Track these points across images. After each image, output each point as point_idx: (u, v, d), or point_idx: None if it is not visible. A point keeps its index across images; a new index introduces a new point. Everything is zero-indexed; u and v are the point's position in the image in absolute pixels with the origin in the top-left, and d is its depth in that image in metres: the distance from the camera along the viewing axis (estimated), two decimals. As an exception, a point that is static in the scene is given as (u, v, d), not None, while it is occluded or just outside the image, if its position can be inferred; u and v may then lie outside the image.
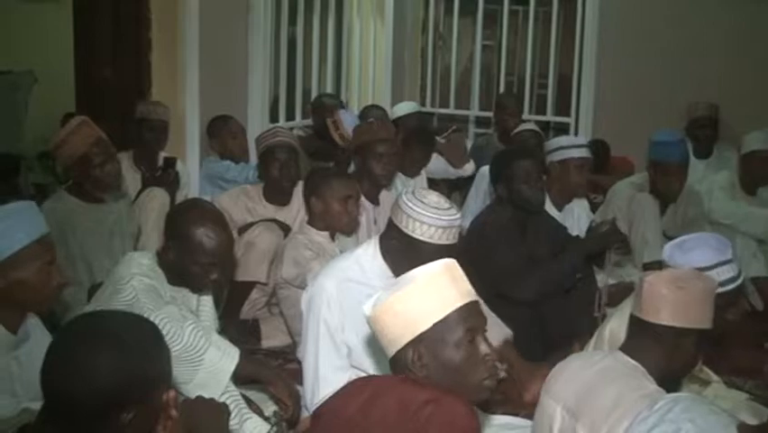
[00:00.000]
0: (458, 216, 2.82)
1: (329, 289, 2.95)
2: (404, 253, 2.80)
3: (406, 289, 2.00)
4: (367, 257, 2.99)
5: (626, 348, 2.45)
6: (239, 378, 2.93)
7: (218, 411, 2.16)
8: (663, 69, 6.76)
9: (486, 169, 5.54)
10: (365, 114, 6.43)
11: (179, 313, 2.83)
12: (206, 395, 2.69)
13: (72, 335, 1.77)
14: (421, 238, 2.77)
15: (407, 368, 2.01)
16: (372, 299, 2.05)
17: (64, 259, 3.74)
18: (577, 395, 2.38)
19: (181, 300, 2.95)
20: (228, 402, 2.77)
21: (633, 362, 2.38)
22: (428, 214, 2.76)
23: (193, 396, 2.75)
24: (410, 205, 2.79)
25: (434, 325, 1.99)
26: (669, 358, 2.37)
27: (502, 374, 2.17)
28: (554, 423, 2.40)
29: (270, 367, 3.30)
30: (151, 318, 2.66)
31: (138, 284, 2.79)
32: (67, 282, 2.52)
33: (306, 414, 2.99)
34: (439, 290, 2.02)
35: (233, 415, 2.74)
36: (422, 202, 2.79)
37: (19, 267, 2.38)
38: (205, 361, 2.80)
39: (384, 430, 1.89)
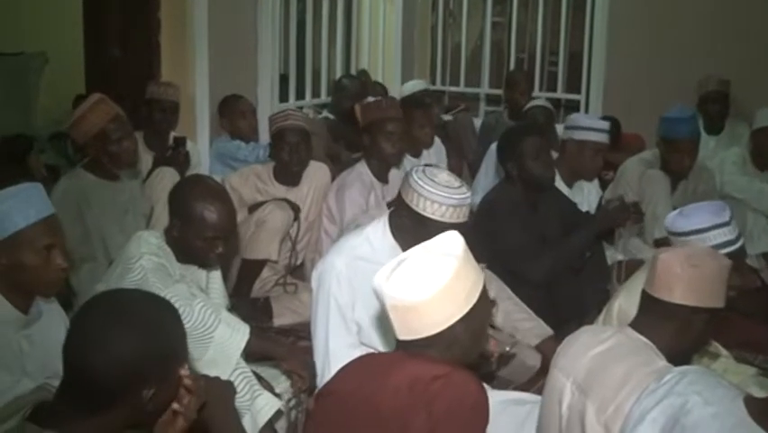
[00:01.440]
0: (468, 194, 2.81)
1: (339, 266, 2.96)
2: (413, 230, 2.79)
3: (456, 267, 1.98)
4: (377, 235, 3.00)
5: (637, 324, 2.44)
6: (251, 355, 2.95)
7: (224, 389, 2.16)
8: (675, 45, 6.71)
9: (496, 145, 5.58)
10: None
11: (188, 291, 2.85)
12: (217, 372, 2.71)
13: (95, 312, 1.77)
14: (431, 216, 2.76)
15: (441, 343, 1.98)
16: (397, 285, 1.98)
17: (81, 235, 3.79)
18: (587, 371, 2.37)
19: (190, 278, 2.97)
20: (239, 379, 2.82)
21: (643, 339, 2.38)
22: (438, 192, 2.76)
23: (204, 373, 2.81)
24: (420, 183, 2.79)
25: (479, 295, 2.00)
26: (680, 336, 2.36)
27: (507, 348, 2.17)
28: (564, 398, 2.40)
29: (282, 343, 3.33)
30: None
31: (147, 263, 2.81)
32: (69, 267, 2.48)
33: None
34: (473, 263, 2.04)
35: (244, 391, 2.79)
36: (432, 180, 2.79)
37: (17, 249, 2.36)
38: (215, 338, 2.83)
39: (395, 406, 1.89)
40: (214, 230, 2.85)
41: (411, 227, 2.81)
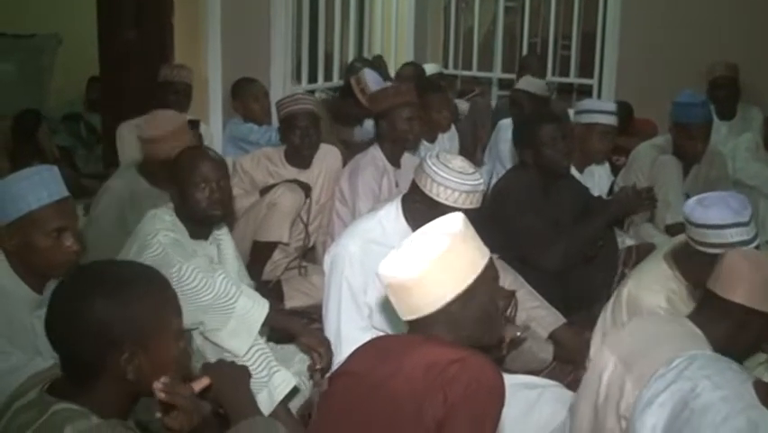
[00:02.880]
0: (481, 180, 2.83)
1: (352, 249, 2.98)
2: (427, 215, 2.76)
3: (450, 244, 1.98)
4: (389, 219, 3.02)
5: (694, 317, 2.45)
6: (271, 327, 3.04)
7: (240, 374, 2.17)
8: (688, 30, 6.67)
9: (504, 121, 5.61)
10: (399, 73, 6.45)
11: (209, 264, 2.94)
12: (239, 342, 2.85)
13: (61, 285, 1.79)
14: (445, 202, 2.78)
15: (443, 324, 1.99)
16: (393, 263, 2.01)
17: (125, 236, 3.76)
18: (632, 347, 2.39)
19: (202, 253, 3.04)
20: (256, 356, 2.90)
21: (698, 330, 2.38)
22: (452, 178, 2.78)
23: (225, 343, 2.89)
24: (435, 169, 2.81)
25: (478, 276, 2.00)
26: (734, 336, 2.36)
27: (518, 334, 2.16)
28: (605, 372, 2.41)
29: (299, 321, 3.37)
30: (183, 269, 2.83)
31: (164, 239, 2.90)
32: (81, 249, 2.50)
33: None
34: (474, 242, 2.04)
35: (261, 368, 2.86)
36: (446, 166, 2.81)
37: (28, 230, 2.39)
38: (236, 309, 2.90)
39: (410, 389, 1.89)
40: (204, 176, 2.99)
41: (424, 212, 2.81)
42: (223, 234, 3.28)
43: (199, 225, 3.10)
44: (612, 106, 4.70)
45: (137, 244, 2.95)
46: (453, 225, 2.04)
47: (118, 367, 1.71)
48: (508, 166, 5.06)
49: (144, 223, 3.00)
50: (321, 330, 3.13)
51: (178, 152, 3.15)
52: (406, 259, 2.00)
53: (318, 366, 2.96)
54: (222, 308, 2.89)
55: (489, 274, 2.04)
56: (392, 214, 3.03)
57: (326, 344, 2.98)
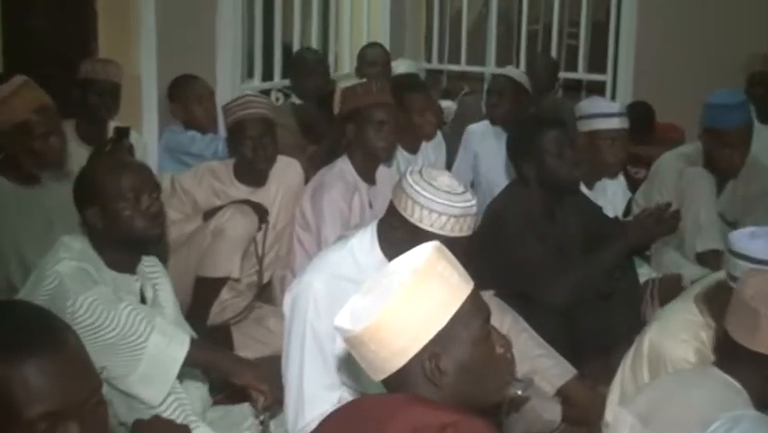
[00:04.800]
0: (473, 202, 2.79)
1: (317, 287, 2.93)
2: (408, 244, 2.72)
3: (408, 284, 1.94)
4: (362, 249, 2.98)
5: (724, 364, 2.45)
6: (194, 367, 3.02)
7: None
8: (721, 17, 6.71)
9: (474, 127, 5.74)
10: (362, 56, 6.46)
11: (113, 294, 2.89)
12: (152, 391, 2.85)
13: None
14: (429, 229, 2.74)
15: (421, 382, 1.96)
16: (348, 312, 1.99)
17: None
18: (651, 400, 2.40)
19: (125, 288, 3.03)
20: (173, 407, 2.89)
21: (730, 379, 2.39)
22: (438, 200, 2.74)
23: (136, 392, 2.87)
24: (417, 188, 2.77)
25: (449, 321, 1.95)
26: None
27: (518, 392, 2.12)
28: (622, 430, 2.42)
29: (231, 354, 3.33)
30: (78, 302, 2.81)
31: (63, 268, 2.89)
32: None
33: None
34: (444, 279, 1.98)
35: (179, 421, 2.81)
36: (431, 185, 2.76)
37: None
38: (147, 348, 2.86)
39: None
40: (132, 186, 2.99)
41: (404, 241, 2.72)
42: (157, 273, 3.24)
43: (127, 251, 3.07)
44: (614, 106, 4.69)
45: (35, 275, 2.98)
46: (418, 257, 2.01)
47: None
48: (495, 183, 5.09)
49: (48, 253, 3.01)
50: (272, 357, 3.09)
51: (88, 164, 3.15)
52: (360, 307, 1.97)
53: (261, 406, 2.93)
54: (130, 347, 2.84)
55: (471, 314, 1.99)
56: (366, 243, 2.99)
57: (267, 378, 2.96)
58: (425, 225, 2.75)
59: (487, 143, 5.67)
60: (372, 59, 6.39)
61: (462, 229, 2.77)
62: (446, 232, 2.73)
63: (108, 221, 2.99)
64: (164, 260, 3.50)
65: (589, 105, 4.81)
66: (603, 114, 4.59)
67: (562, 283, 3.79)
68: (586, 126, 4.58)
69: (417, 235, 2.71)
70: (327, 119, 5.50)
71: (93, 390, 1.73)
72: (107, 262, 3.03)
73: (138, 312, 2.90)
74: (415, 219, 2.76)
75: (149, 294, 3.15)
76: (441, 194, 2.75)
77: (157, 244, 3.21)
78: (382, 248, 2.95)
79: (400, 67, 6.69)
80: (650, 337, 3.02)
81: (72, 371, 1.68)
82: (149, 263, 3.22)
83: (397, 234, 2.84)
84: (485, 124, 5.81)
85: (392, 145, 4.49)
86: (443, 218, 2.74)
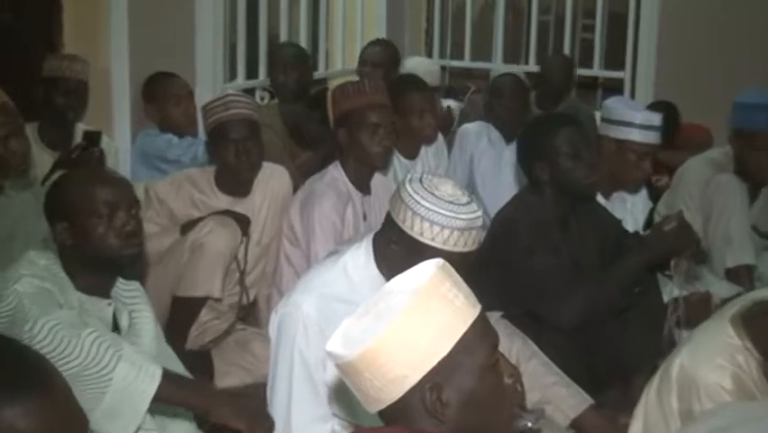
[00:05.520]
0: (480, 213, 2.79)
1: (306, 310, 2.92)
2: (407, 261, 2.71)
3: (408, 307, 1.94)
4: (357, 266, 2.98)
5: None
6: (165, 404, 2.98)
7: None
8: (751, 5, 6.71)
9: (468, 127, 5.79)
10: (362, 56, 6.48)
11: (77, 319, 2.86)
12: (119, 428, 2.83)
13: None
14: (431, 244, 2.73)
15: (421, 414, 1.95)
16: (341, 336, 1.99)
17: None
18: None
19: (96, 313, 3.00)
20: None
21: None
22: (441, 211, 2.73)
23: (101, 429, 2.83)
24: (416, 198, 2.76)
25: (453, 348, 1.94)
26: None
27: (528, 424, 2.11)
28: None
29: (205, 388, 3.29)
30: (36, 327, 2.79)
31: (24, 287, 2.86)
32: None
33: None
34: (449, 301, 1.98)
35: None
36: (432, 194, 2.75)
37: None
38: (114, 381, 2.82)
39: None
40: (102, 200, 2.97)
41: (404, 257, 2.75)
42: (137, 299, 3.22)
43: (99, 272, 3.05)
44: (655, 119, 4.52)
45: None
46: (420, 276, 2.00)
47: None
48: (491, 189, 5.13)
49: (10, 268, 2.99)
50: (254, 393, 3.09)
51: (61, 175, 3.14)
52: (354, 330, 1.97)
53: None
54: (94, 379, 2.81)
55: (477, 341, 1.98)
56: (360, 259, 2.99)
57: (250, 416, 2.93)
58: (426, 240, 2.74)
59: (482, 145, 5.70)
60: (375, 60, 6.41)
61: (467, 244, 2.75)
62: (450, 247, 2.72)
63: (78, 238, 2.98)
64: (140, 278, 3.47)
65: (624, 109, 4.60)
66: (641, 125, 4.44)
67: (576, 302, 3.77)
68: (616, 132, 4.47)
69: (418, 250, 2.71)
70: (320, 122, 5.50)
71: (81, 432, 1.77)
72: (76, 283, 2.99)
73: (103, 340, 2.85)
74: (415, 232, 2.75)
75: (123, 322, 3.12)
76: (444, 204, 2.73)
77: (133, 266, 3.18)
78: (378, 265, 2.95)
79: (419, 68, 6.62)
80: (681, 361, 3.00)
81: (60, 413, 1.69)
82: (127, 288, 3.19)
83: (396, 250, 2.84)
84: (480, 123, 5.83)
85: (388, 151, 4.48)
86: (447, 231, 2.73)
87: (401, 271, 2.70)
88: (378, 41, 6.86)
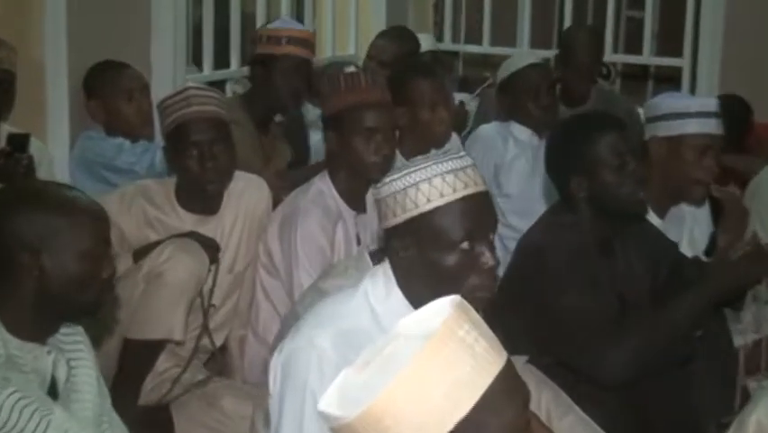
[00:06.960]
0: (463, 153, 2.92)
1: (322, 345, 2.92)
2: (424, 261, 2.85)
3: (419, 355, 1.94)
4: (377, 293, 2.99)
5: None
6: None
7: None
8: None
9: (486, 129, 5.89)
10: (373, 52, 6.56)
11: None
12: None
13: None
14: (431, 206, 2.81)
15: None
16: (336, 392, 2.01)
17: None
18: None
19: (30, 364, 2.97)
20: None
21: None
22: (419, 169, 2.83)
23: None
24: (394, 184, 2.86)
25: (475, 407, 1.95)
26: None
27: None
28: None
29: None
30: None
31: None
32: None
33: None
34: (468, 347, 1.99)
35: None
36: (406, 167, 2.87)
37: None
38: None
39: None
40: (99, 240, 3.00)
41: (418, 258, 2.86)
42: (78, 347, 3.20)
43: (46, 317, 3.04)
44: (710, 104, 4.58)
45: None
46: (432, 317, 2.02)
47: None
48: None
49: None
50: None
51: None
52: (353, 385, 2.00)
53: None
54: None
55: (503, 397, 1.99)
56: (380, 286, 3.00)
57: None
58: (424, 206, 2.82)
59: (509, 150, 5.72)
60: (383, 58, 6.51)
61: (468, 184, 2.85)
62: (450, 195, 2.82)
63: (46, 281, 2.96)
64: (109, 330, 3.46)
65: (669, 101, 4.65)
66: (693, 112, 4.46)
67: (621, 351, 3.73)
68: (666, 129, 4.47)
69: (427, 236, 2.84)
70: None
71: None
72: (11, 327, 2.96)
73: (28, 402, 2.84)
74: (409, 211, 2.84)
75: (60, 374, 3.09)
76: (418, 164, 2.85)
77: (95, 314, 3.18)
78: (400, 285, 2.96)
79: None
80: (758, 418, 3.02)
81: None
82: (67, 332, 3.17)
83: (407, 255, 2.89)
84: (498, 124, 5.86)
85: (388, 161, 4.46)
86: (437, 180, 2.82)
87: (425, 284, 2.82)
88: (391, 32, 6.88)
